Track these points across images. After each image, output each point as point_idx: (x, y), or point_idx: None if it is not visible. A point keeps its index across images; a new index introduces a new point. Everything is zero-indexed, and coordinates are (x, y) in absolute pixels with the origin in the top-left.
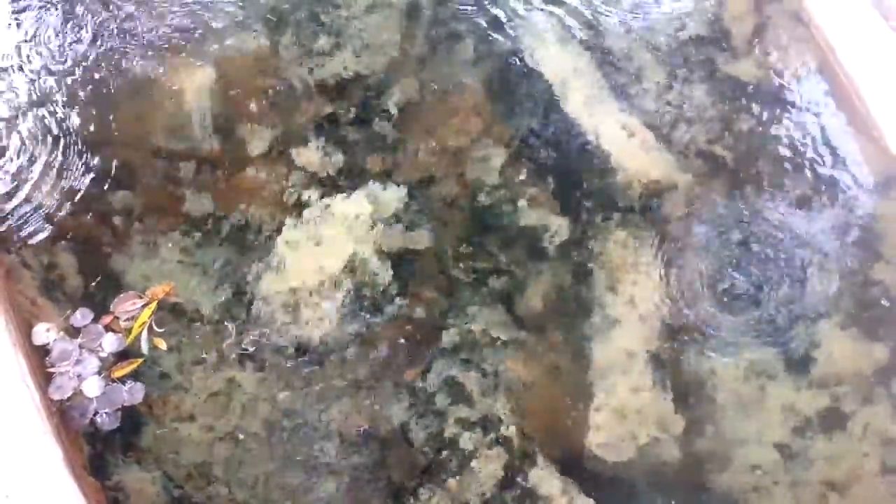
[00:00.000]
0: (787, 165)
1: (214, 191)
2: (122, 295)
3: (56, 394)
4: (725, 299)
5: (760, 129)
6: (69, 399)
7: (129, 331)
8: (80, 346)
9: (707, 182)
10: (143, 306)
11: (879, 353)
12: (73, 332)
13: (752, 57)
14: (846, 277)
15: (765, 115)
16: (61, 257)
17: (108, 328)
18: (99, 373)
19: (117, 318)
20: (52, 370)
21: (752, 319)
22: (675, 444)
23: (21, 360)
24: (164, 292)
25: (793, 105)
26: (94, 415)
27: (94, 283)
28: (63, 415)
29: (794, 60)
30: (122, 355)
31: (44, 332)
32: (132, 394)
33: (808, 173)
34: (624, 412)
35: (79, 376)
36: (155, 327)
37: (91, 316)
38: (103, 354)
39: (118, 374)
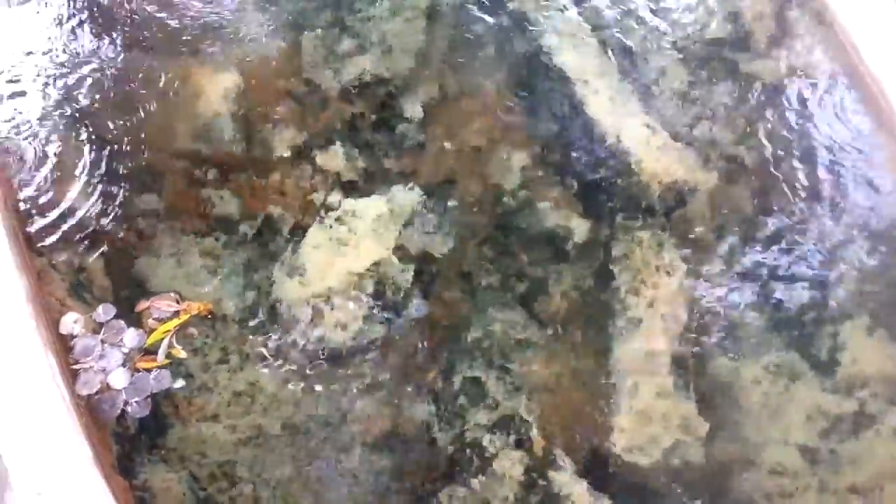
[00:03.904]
0: (810, 166)
1: (239, 194)
2: (162, 293)
3: (84, 389)
4: (749, 300)
5: (783, 130)
6: (97, 393)
7: (153, 331)
8: (102, 342)
9: (730, 183)
10: (175, 314)
11: None
12: (96, 327)
13: (775, 58)
14: (872, 279)
15: (788, 117)
16: (89, 259)
17: (140, 315)
18: (124, 364)
19: (149, 311)
20: (76, 367)
21: (777, 321)
22: (698, 446)
23: (51, 361)
24: (198, 309)
25: (816, 106)
26: (125, 405)
27: (121, 286)
28: (93, 408)
29: (817, 61)
30: (147, 350)
31: (71, 323)
32: (159, 381)
33: (833, 174)
34: (647, 415)
35: (104, 370)
36: (174, 343)
37: (113, 311)
38: (125, 350)
39: (143, 366)
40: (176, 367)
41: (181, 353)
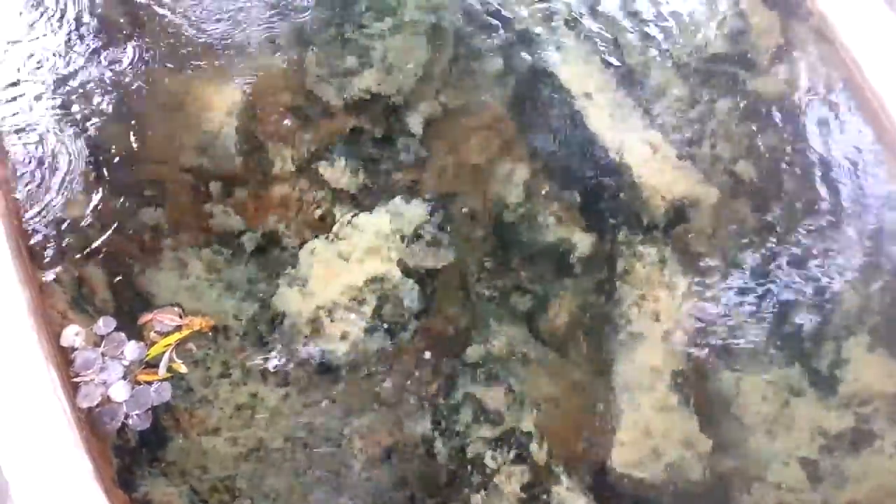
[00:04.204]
0: (811, 182)
1: (242, 208)
2: (166, 307)
3: (84, 402)
4: (751, 316)
5: (785, 145)
6: (98, 406)
7: (154, 344)
8: (103, 355)
9: (731, 198)
10: (177, 328)
11: None
12: (97, 340)
13: (777, 74)
14: (874, 296)
15: (789, 132)
16: (91, 272)
17: (142, 327)
18: (124, 377)
19: (152, 323)
20: (76, 380)
21: (779, 337)
22: (700, 462)
23: (53, 374)
24: (200, 325)
25: (818, 122)
26: (125, 418)
27: (123, 298)
28: (94, 421)
29: (818, 77)
30: (147, 363)
31: (72, 336)
32: (160, 393)
33: (834, 190)
34: (648, 430)
35: (104, 383)
36: (175, 356)
37: (114, 324)
38: (125, 362)
39: (144, 378)
40: (177, 381)
41: (182, 368)
